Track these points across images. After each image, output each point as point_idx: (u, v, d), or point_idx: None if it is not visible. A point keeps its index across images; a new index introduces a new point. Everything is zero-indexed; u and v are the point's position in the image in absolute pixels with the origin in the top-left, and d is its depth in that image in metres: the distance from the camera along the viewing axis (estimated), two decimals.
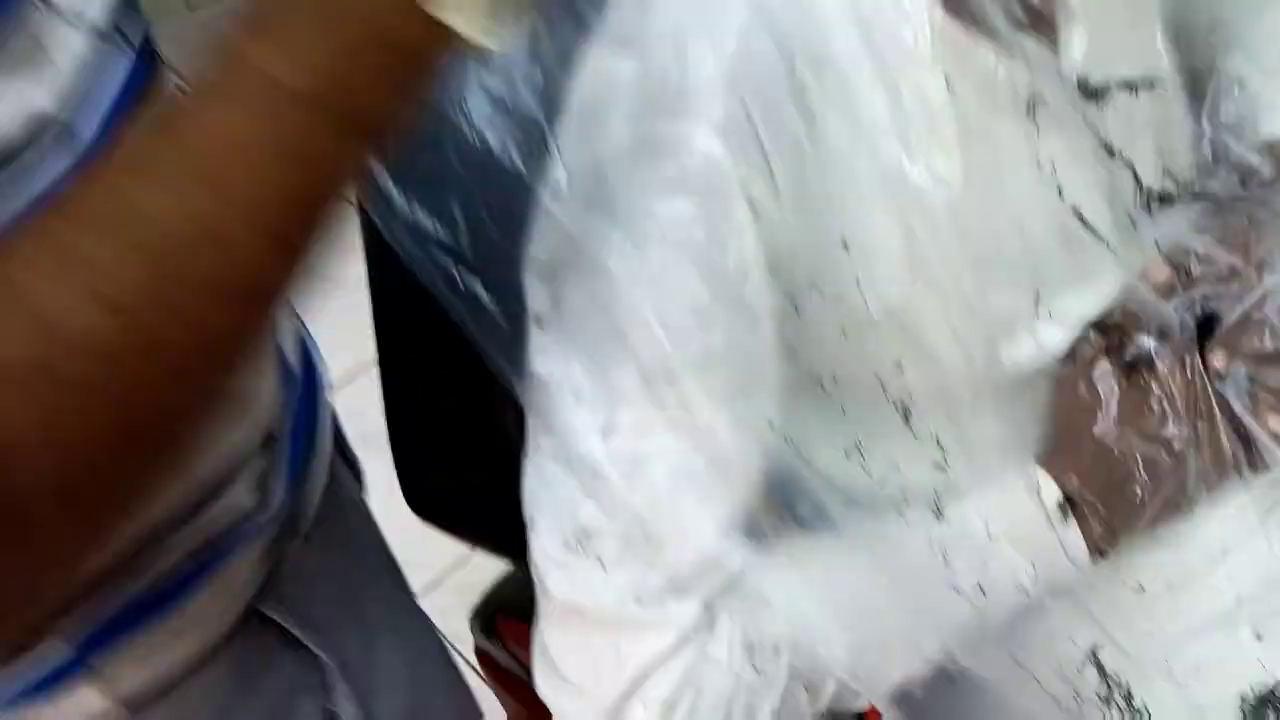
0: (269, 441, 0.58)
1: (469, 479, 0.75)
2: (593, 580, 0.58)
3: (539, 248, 0.59)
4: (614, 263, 0.55)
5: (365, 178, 0.42)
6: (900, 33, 0.56)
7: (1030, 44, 0.59)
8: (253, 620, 0.58)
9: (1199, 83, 0.68)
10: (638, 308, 0.55)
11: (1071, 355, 0.63)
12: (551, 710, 0.64)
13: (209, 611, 0.54)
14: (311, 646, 0.62)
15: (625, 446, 0.56)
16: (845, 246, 0.58)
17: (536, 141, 0.57)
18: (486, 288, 0.58)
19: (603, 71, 0.58)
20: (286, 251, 0.36)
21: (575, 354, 0.57)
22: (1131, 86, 0.63)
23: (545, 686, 0.64)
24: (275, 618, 0.59)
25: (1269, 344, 0.63)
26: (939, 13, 0.57)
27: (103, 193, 0.35)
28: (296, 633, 0.61)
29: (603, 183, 0.56)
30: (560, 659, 0.62)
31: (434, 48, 0.37)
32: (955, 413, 0.62)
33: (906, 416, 0.61)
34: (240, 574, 0.57)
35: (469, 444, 0.75)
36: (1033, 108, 0.60)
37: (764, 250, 0.56)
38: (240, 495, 0.55)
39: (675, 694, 0.59)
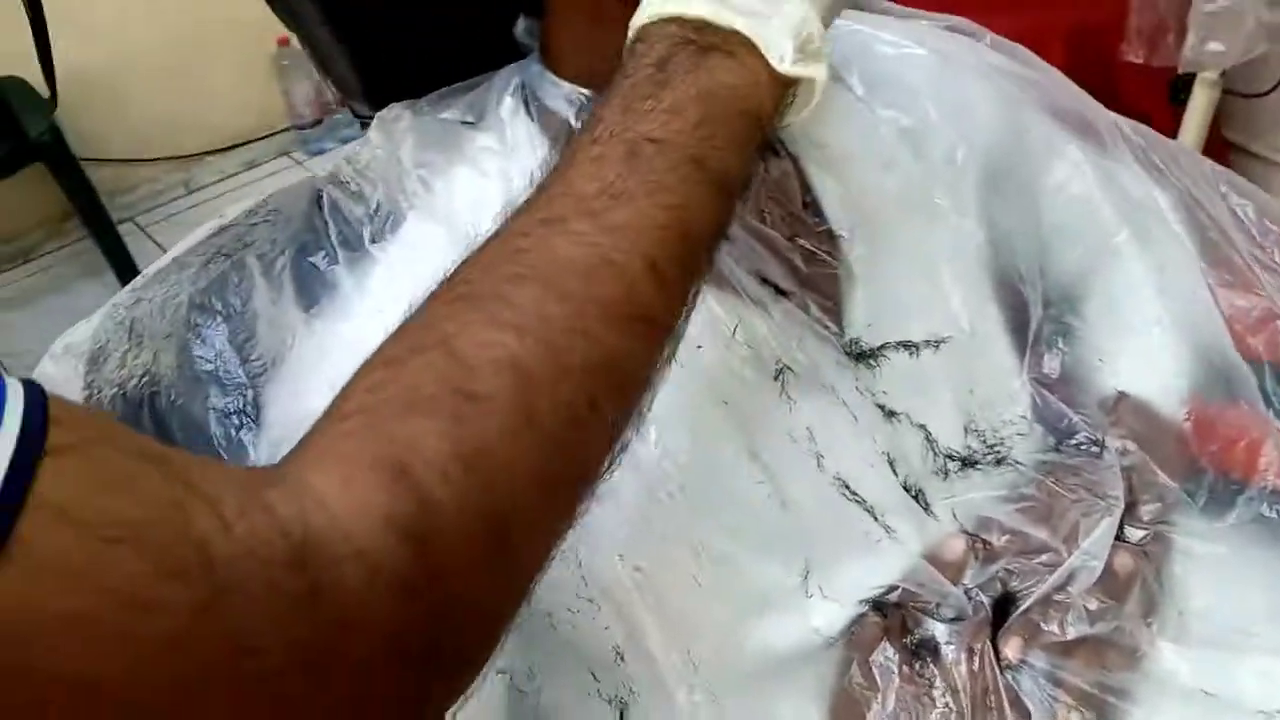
0: None
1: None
2: None
3: None
4: None
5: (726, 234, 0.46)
6: None
7: (782, 309, 0.56)
8: None
9: (1023, 335, 0.64)
10: None
11: (850, 637, 0.58)
12: None
13: None
14: None
15: None
16: None
17: None
18: None
19: None
20: (666, 285, 0.40)
21: None
22: (911, 347, 0.59)
23: None
24: None
25: (1072, 631, 0.57)
26: None
27: (501, 241, 0.40)
28: None
29: None
30: None
31: (775, 114, 0.45)
32: (714, 694, 0.56)
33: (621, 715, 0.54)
34: None
35: None
36: (781, 375, 0.55)
37: None
38: None
39: None
